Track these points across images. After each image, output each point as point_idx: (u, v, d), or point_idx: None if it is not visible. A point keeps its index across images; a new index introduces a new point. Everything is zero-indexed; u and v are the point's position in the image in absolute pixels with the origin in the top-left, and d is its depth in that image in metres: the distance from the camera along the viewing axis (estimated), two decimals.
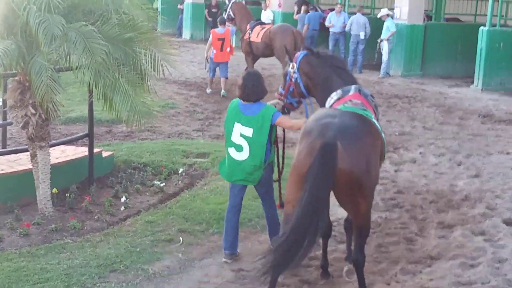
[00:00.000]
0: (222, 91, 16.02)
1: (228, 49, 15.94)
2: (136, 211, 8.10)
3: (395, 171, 10.31)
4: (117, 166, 9.60)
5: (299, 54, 6.84)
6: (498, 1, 19.11)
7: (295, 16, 23.94)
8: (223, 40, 15.82)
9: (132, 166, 9.62)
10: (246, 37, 16.50)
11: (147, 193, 8.80)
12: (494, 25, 18.83)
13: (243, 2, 19.68)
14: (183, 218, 7.70)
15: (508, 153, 11.55)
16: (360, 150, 5.50)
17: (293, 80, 6.84)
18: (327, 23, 22.20)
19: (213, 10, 29.96)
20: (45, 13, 6.84)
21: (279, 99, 6.96)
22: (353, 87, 6.35)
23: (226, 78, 16.05)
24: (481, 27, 18.68)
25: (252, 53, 16.38)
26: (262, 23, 16.80)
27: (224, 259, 6.86)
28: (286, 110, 7.00)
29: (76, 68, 7.15)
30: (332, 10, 23.26)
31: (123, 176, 9.15)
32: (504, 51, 18.63)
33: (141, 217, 7.75)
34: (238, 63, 18.36)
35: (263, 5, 26.12)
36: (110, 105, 7.76)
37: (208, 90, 16.49)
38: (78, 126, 11.94)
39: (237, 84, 6.70)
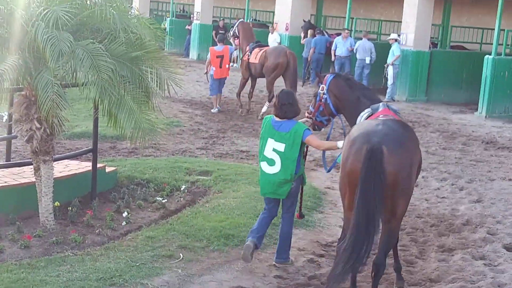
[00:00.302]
0: (217, 108, 16.51)
1: (227, 66, 16.44)
2: (137, 227, 8.12)
3: None
4: (120, 181, 9.64)
5: (328, 77, 7.31)
6: (504, 30, 19.23)
7: (302, 41, 24.10)
8: (221, 57, 16.26)
9: (135, 182, 9.65)
10: (245, 58, 16.86)
11: (149, 209, 8.83)
12: (499, 54, 18.94)
13: (250, 23, 19.74)
14: (184, 235, 7.71)
15: (510, 179, 11.57)
16: (404, 154, 5.84)
17: (322, 100, 7.31)
18: (333, 48, 22.34)
19: (221, 31, 30.15)
20: (53, 29, 6.92)
21: (308, 117, 7.44)
22: (381, 104, 6.79)
23: (221, 93, 16.69)
24: (486, 56, 18.78)
25: (251, 74, 16.65)
26: (261, 45, 17.12)
27: (248, 242, 7.02)
28: (316, 127, 7.52)
29: (82, 85, 7.22)
30: (338, 34, 23.43)
31: (125, 191, 9.18)
32: (508, 80, 18.72)
33: (142, 233, 7.76)
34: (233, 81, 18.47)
35: (270, 28, 26.35)
36: (115, 121, 7.81)
37: (214, 110, 16.65)
38: (82, 141, 12.01)
39: (274, 103, 7.11)
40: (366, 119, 6.62)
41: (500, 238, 8.53)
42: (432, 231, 8.71)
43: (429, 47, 21.86)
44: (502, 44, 19.21)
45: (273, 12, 27.47)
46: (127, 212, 8.44)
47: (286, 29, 25.49)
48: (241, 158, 12.04)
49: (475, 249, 8.08)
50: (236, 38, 18.31)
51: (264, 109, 16.27)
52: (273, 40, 25.52)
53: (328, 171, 7.63)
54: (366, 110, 6.80)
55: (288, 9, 25.45)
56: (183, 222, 8.10)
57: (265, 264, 7.29)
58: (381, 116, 6.48)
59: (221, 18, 31.93)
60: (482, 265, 7.63)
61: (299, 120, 7.15)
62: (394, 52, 20.29)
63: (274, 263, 7.29)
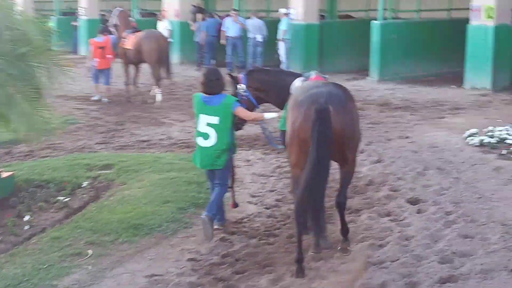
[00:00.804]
0: (104, 98, 16.75)
1: (110, 56, 16.73)
2: (41, 229, 7.85)
3: None
4: (18, 186, 9.28)
5: (242, 76, 7.98)
6: None
7: (193, 27, 23.98)
8: (103, 48, 16.61)
9: (34, 185, 9.33)
10: (121, 44, 17.09)
11: (52, 210, 8.56)
12: (386, 19, 19.44)
13: (128, 11, 20.34)
14: (90, 231, 7.52)
15: (407, 137, 11.93)
16: (347, 112, 6.44)
17: (244, 97, 7.95)
18: (223, 29, 22.36)
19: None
20: None
21: None
22: (312, 71, 7.45)
23: (108, 85, 16.91)
24: (373, 21, 19.24)
25: (129, 60, 16.85)
26: (136, 31, 17.26)
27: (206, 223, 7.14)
28: (239, 125, 7.92)
29: None
30: (228, 16, 23.44)
31: (25, 195, 8.88)
32: (396, 43, 19.27)
33: (47, 234, 7.52)
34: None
35: (158, 15, 26.04)
36: (6, 123, 7.53)
37: (95, 97, 17.01)
38: None
39: (199, 80, 7.45)
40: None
41: (402, 194, 8.81)
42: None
43: (318, 19, 22.19)
44: (387, 9, 19.71)
45: (161, 0, 27.15)
46: (29, 215, 8.18)
47: (176, 16, 25.28)
48: (142, 147, 11.86)
49: (380, 207, 8.31)
50: (115, 27, 18.29)
51: (159, 97, 16.35)
52: (163, 27, 25.25)
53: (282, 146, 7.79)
54: (298, 79, 7.43)
55: None
56: (89, 218, 7.91)
57: (177, 249, 7.22)
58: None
59: (109, 10, 31.24)
60: (388, 221, 7.85)
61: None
62: (281, 27, 20.53)
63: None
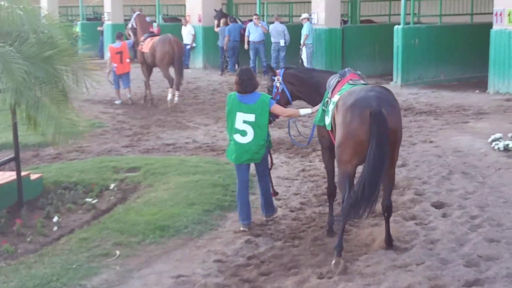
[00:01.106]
0: (129, 95, 17.21)
1: (128, 60, 17.14)
2: (69, 230, 8.00)
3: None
4: (47, 187, 9.45)
5: (280, 70, 8.15)
6: (410, 0, 19.74)
7: (216, 29, 24.13)
8: (121, 53, 16.95)
9: (62, 186, 9.48)
10: (139, 48, 17.68)
11: (80, 211, 8.71)
12: (408, 23, 19.43)
13: (145, 15, 20.92)
14: (118, 232, 7.64)
15: (431, 142, 11.93)
16: (397, 113, 6.81)
17: (279, 90, 8.10)
18: (246, 34, 22.48)
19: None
20: None
21: None
22: (347, 69, 7.50)
23: (129, 87, 17.32)
24: (396, 26, 19.24)
25: (146, 63, 17.35)
26: (153, 35, 17.86)
27: (242, 228, 7.78)
28: (271, 118, 7.94)
29: None
30: (251, 21, 23.56)
31: (53, 197, 9.03)
32: (419, 47, 19.25)
33: (75, 235, 7.66)
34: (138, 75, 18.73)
35: (183, 20, 26.26)
36: (34, 125, 7.66)
37: (118, 101, 17.31)
38: (4, 153, 11.66)
39: (234, 80, 7.80)
40: (337, 83, 7.33)
41: (427, 198, 8.81)
42: None
43: (341, 24, 22.22)
44: (409, 14, 19.70)
45: (184, 5, 27.35)
46: (58, 216, 8.32)
47: (199, 21, 25.45)
48: (168, 151, 11.99)
49: (405, 211, 8.32)
50: (133, 30, 19.29)
51: (169, 96, 16.74)
52: (187, 32, 25.48)
53: (308, 143, 8.54)
54: (333, 76, 7.49)
55: (199, 0, 25.38)
56: (116, 220, 8.03)
57: (203, 250, 7.30)
58: (350, 81, 7.25)
59: (144, 14, 31.49)
60: (413, 225, 7.86)
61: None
62: (303, 32, 20.61)
63: (265, 218, 8.06)
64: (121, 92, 17.42)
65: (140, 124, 14.49)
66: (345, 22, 23.90)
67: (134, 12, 20.21)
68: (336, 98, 7.03)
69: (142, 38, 17.80)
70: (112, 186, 9.53)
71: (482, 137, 11.89)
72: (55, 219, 8.23)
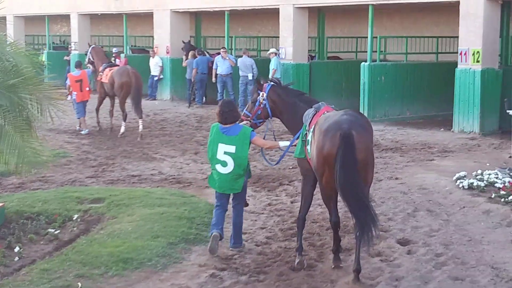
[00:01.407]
0: (83, 130, 17.25)
1: (87, 89, 17.50)
2: (31, 261, 7.84)
3: (291, 202, 10.49)
4: (8, 217, 9.25)
5: (266, 86, 8.34)
6: (376, 37, 20.03)
7: (184, 64, 24.17)
8: (80, 81, 17.27)
9: (25, 216, 9.31)
10: (98, 78, 18.14)
11: (42, 242, 8.55)
12: (374, 60, 19.69)
13: (100, 46, 21.85)
14: (80, 263, 7.50)
15: (397, 178, 12.01)
16: (367, 136, 7.20)
17: (261, 105, 8.34)
18: (214, 67, 22.60)
19: None
20: None
21: (244, 119, 8.36)
22: (321, 103, 7.90)
23: (84, 116, 17.53)
24: (363, 63, 19.49)
25: (105, 93, 17.75)
26: (112, 65, 18.37)
27: (214, 234, 7.96)
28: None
29: None
30: (219, 54, 23.67)
31: (15, 226, 8.86)
32: (385, 84, 19.50)
33: (37, 266, 7.50)
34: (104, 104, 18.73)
35: (151, 52, 26.26)
36: None
37: (84, 131, 17.27)
38: None
39: (216, 111, 8.04)
40: (313, 116, 7.67)
41: (393, 234, 8.85)
42: (328, 234, 8.87)
43: (308, 59, 22.43)
44: (376, 51, 19.97)
45: (152, 37, 27.39)
46: (19, 247, 8.15)
47: (167, 52, 25.48)
48: (133, 182, 11.88)
49: (371, 247, 8.29)
50: (92, 63, 19.65)
51: (122, 129, 16.92)
52: (155, 64, 25.48)
53: (277, 163, 9.15)
54: (309, 110, 7.81)
55: (167, 32, 25.46)
56: (79, 251, 7.89)
57: (167, 284, 7.21)
58: (325, 112, 7.62)
59: (100, 46, 31.45)
60: (379, 261, 7.88)
61: (240, 123, 8.17)
62: (271, 67, 20.77)
63: (230, 249, 8.17)
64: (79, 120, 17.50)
65: (105, 155, 14.35)
66: (312, 57, 24.14)
67: (89, 46, 20.81)
68: (314, 127, 7.45)
69: (100, 68, 18.21)
70: (75, 217, 9.39)
71: (447, 175, 12.01)
72: (17, 249, 8.07)
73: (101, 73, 17.89)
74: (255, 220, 9.55)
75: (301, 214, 8.03)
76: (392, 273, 7.49)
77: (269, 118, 8.49)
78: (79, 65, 17.87)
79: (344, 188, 6.78)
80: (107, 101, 17.97)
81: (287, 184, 11.59)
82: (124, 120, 16.91)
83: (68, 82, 17.70)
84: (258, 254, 8.16)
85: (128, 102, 17.11)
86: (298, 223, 8.07)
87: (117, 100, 17.45)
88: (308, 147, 7.53)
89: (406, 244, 8.45)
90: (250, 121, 8.39)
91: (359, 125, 7.13)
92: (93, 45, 20.80)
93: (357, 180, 6.79)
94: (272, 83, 8.44)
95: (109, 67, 17.90)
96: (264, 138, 8.62)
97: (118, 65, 18.49)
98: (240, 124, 8.17)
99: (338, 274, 7.47)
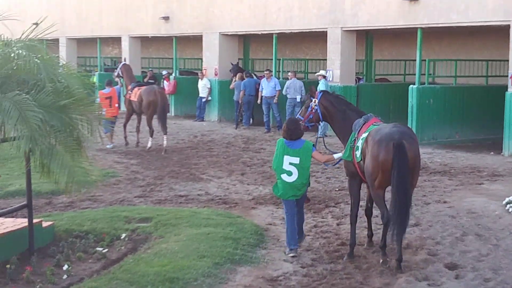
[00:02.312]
0: (108, 145, 18.02)
1: (116, 105, 18.64)
2: (79, 279, 7.96)
3: (337, 224, 10.44)
4: (58, 235, 9.44)
5: (318, 93, 9.45)
6: (425, 60, 19.90)
7: (232, 86, 24.37)
8: (110, 98, 18.22)
9: (74, 235, 9.47)
10: (127, 96, 19.25)
11: (90, 260, 8.68)
12: (423, 83, 19.55)
13: (129, 65, 22.53)
14: (127, 282, 7.58)
15: (445, 202, 11.85)
16: (415, 145, 8.31)
17: (313, 110, 9.39)
18: (260, 89, 22.77)
19: (150, 80, 30.26)
20: None
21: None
22: (369, 115, 8.98)
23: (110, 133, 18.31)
24: (411, 86, 19.36)
25: (133, 110, 18.87)
26: (140, 85, 19.40)
27: (292, 254, 8.78)
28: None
29: (13, 139, 7.10)
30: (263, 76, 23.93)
31: (64, 245, 9.02)
32: (434, 107, 19.32)
33: (85, 284, 7.60)
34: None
35: (199, 74, 26.54)
36: (48, 172, 7.68)
37: (109, 145, 18.08)
38: (17, 199, 11.74)
39: (283, 128, 9.05)
40: (362, 125, 8.74)
41: (440, 258, 8.72)
42: (375, 257, 8.81)
43: (356, 82, 22.39)
44: (424, 74, 19.83)
45: (201, 59, 27.71)
46: (68, 265, 8.28)
47: (216, 74, 25.74)
48: (180, 202, 11.98)
49: (418, 271, 8.22)
50: (119, 77, 21.23)
51: (149, 144, 18.18)
52: (203, 85, 25.74)
53: (334, 164, 9.97)
54: (359, 120, 8.86)
55: (215, 54, 25.74)
56: (126, 270, 7.97)
57: None
58: (374, 123, 8.70)
59: (150, 69, 31.99)
60: (426, 286, 7.79)
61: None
62: (319, 89, 20.74)
63: (290, 249, 8.87)
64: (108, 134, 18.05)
65: (153, 175, 14.53)
66: (359, 79, 24.08)
67: (120, 62, 22.18)
68: (364, 135, 8.50)
69: (129, 87, 19.34)
70: (123, 236, 9.51)
71: (496, 199, 11.81)
72: (65, 267, 8.20)
73: (130, 92, 19.00)
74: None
75: (353, 212, 9.09)
76: None
77: (320, 123, 9.60)
78: (109, 83, 18.91)
79: (398, 189, 7.93)
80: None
81: (333, 206, 11.54)
82: (151, 136, 18.17)
83: (97, 100, 18.37)
84: (304, 276, 8.14)
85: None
86: (351, 219, 9.07)
87: (144, 117, 18.54)
88: (357, 152, 8.58)
89: (454, 269, 8.32)
90: (302, 124, 9.29)
91: (408, 136, 8.27)
92: (124, 62, 22.07)
93: (408, 183, 8.04)
94: (322, 91, 9.55)
95: (138, 86, 19.04)
96: (316, 141, 9.69)
97: (146, 85, 19.64)
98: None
99: None
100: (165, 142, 17.85)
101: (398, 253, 8.22)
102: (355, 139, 8.71)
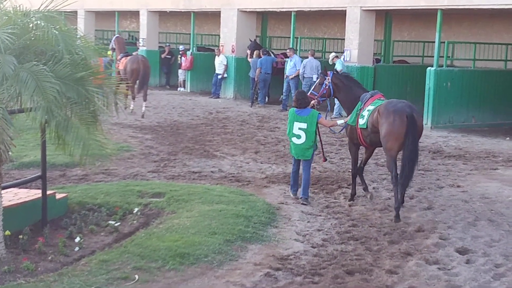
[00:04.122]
0: None
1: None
2: (90, 251, 8.01)
3: (350, 205, 10.43)
4: (71, 208, 9.50)
5: (330, 73, 11.09)
6: (444, 42, 19.72)
7: (249, 59, 24.29)
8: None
9: (87, 208, 9.52)
10: (117, 65, 20.53)
11: (102, 233, 8.72)
12: (441, 66, 19.39)
13: (123, 37, 24.45)
14: (138, 256, 7.63)
15: (458, 186, 11.81)
16: (421, 116, 10.38)
17: (327, 87, 10.99)
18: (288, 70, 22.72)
19: (167, 56, 30.26)
20: None
21: (311, 97, 10.94)
22: (376, 91, 10.91)
23: None
24: (429, 68, 19.22)
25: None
26: (127, 55, 20.61)
27: (292, 196, 10.72)
28: (316, 105, 10.97)
29: (29, 110, 7.11)
30: (284, 54, 23.74)
31: (77, 217, 9.07)
32: (451, 90, 19.19)
33: (96, 257, 7.65)
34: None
35: (216, 51, 26.48)
36: (63, 145, 7.69)
37: None
38: (31, 170, 11.80)
39: (293, 99, 10.87)
40: (368, 99, 10.41)
41: (452, 243, 8.70)
42: (386, 239, 8.81)
43: (373, 62, 22.25)
44: (442, 56, 19.67)
45: (218, 35, 27.63)
46: (80, 237, 8.34)
47: (233, 51, 25.66)
48: (193, 179, 12.00)
49: (429, 254, 8.21)
50: (113, 50, 22.58)
51: (131, 107, 19.47)
52: (219, 62, 25.70)
53: (340, 131, 11.90)
54: (366, 94, 10.60)
55: (233, 31, 25.64)
56: (137, 244, 8.02)
57: (222, 280, 7.26)
58: (378, 98, 10.43)
59: (167, 44, 31.97)
60: (436, 269, 7.77)
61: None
62: (336, 68, 20.67)
63: (300, 197, 10.51)
64: None
65: (167, 151, 14.56)
66: (377, 60, 23.93)
67: (114, 36, 23.90)
68: (371, 107, 10.19)
69: (118, 57, 20.82)
70: (135, 210, 9.56)
71: (510, 184, 11.77)
72: (77, 239, 8.26)
73: (118, 61, 20.36)
74: (312, 222, 9.53)
75: (353, 171, 10.90)
76: (449, 282, 7.37)
77: (331, 96, 11.17)
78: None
79: (411, 151, 9.61)
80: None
81: (346, 187, 11.52)
82: (133, 99, 19.68)
83: (114, 73, 19.47)
84: (314, 256, 8.15)
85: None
86: (352, 176, 10.89)
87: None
88: (361, 120, 10.24)
89: (465, 253, 8.30)
90: (317, 99, 10.95)
91: (414, 110, 9.91)
92: (118, 35, 23.70)
93: (417, 146, 9.85)
94: (333, 71, 11.27)
95: (125, 56, 20.34)
96: (326, 116, 11.24)
97: (131, 54, 20.86)
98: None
99: (393, 280, 7.39)
100: (143, 108, 19.31)
101: (401, 199, 9.82)
102: (361, 109, 10.35)
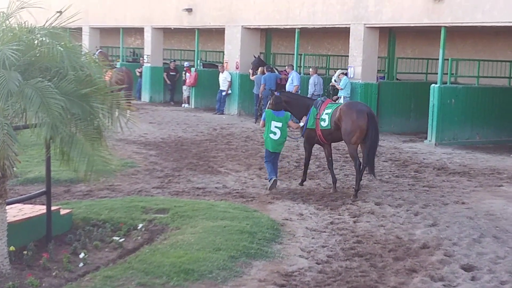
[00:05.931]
0: None
1: None
2: (95, 267, 7.99)
3: (354, 222, 10.41)
4: (75, 223, 9.50)
5: (276, 93, 13.16)
6: (448, 59, 19.76)
7: (251, 77, 24.38)
8: None
9: (91, 223, 9.52)
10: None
11: (106, 249, 8.72)
12: (445, 83, 19.42)
13: (105, 52, 25.24)
14: (142, 272, 7.61)
15: (463, 203, 11.78)
16: (375, 114, 12.54)
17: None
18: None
19: (172, 73, 30.38)
20: (0, 69, 6.86)
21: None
22: (323, 98, 13.45)
23: None
24: (433, 85, 19.25)
25: None
26: (112, 67, 20.94)
27: (270, 182, 12.34)
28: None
29: (34, 126, 7.13)
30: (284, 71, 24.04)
31: (81, 233, 9.06)
32: (455, 107, 19.20)
33: (100, 273, 7.63)
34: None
35: (219, 67, 26.57)
36: (67, 160, 7.71)
37: None
38: (36, 186, 11.82)
39: (270, 102, 12.82)
40: (321, 104, 12.65)
41: (457, 260, 8.67)
42: (391, 256, 8.78)
43: (377, 79, 22.30)
44: (446, 73, 19.70)
45: (223, 52, 27.73)
46: (84, 253, 8.32)
47: (237, 68, 25.75)
48: (198, 195, 12.00)
49: (434, 271, 8.18)
50: None
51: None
52: (223, 78, 25.77)
53: (299, 137, 13.92)
54: (318, 100, 13.02)
55: (237, 48, 25.76)
56: (142, 260, 8.00)
57: None
58: (329, 103, 12.79)
59: (172, 60, 32.08)
60: (441, 286, 7.75)
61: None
62: (340, 85, 20.87)
63: (275, 178, 12.37)
64: None
65: (172, 167, 14.57)
66: (381, 77, 23.96)
67: (97, 50, 24.34)
68: (328, 111, 12.38)
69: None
70: (140, 226, 9.55)
71: None
72: (82, 255, 8.25)
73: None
74: (317, 238, 9.51)
75: (306, 161, 13.09)
76: None
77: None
78: None
79: (373, 143, 11.97)
80: None
81: (350, 204, 11.51)
82: None
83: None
84: (319, 272, 8.12)
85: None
86: (304, 165, 13.11)
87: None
88: (322, 122, 12.35)
89: (470, 270, 8.27)
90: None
91: (370, 108, 12.50)
92: (100, 50, 24.37)
93: (378, 139, 12.19)
94: (279, 92, 13.69)
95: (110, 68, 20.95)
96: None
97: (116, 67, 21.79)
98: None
99: None
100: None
101: (359, 184, 12.22)
102: (317, 113, 12.49)
